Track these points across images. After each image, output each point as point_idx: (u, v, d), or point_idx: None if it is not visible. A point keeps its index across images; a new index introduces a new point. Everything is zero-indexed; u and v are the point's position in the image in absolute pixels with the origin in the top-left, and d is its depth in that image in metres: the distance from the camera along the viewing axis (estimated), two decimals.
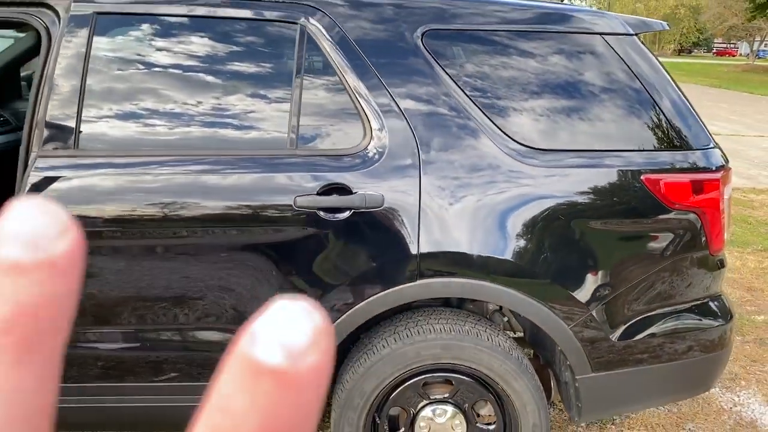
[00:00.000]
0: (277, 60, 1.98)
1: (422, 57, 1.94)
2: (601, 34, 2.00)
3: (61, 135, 1.88)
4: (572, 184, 1.92)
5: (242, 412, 0.18)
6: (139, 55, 1.93)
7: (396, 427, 2.09)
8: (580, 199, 1.93)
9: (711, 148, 2.03)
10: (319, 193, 1.87)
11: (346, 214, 1.88)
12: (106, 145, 1.89)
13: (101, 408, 1.97)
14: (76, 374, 1.93)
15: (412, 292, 1.93)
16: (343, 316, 1.92)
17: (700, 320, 2.09)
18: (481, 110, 1.92)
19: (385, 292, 1.92)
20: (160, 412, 2.01)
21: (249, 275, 1.89)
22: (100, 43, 1.91)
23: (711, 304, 2.11)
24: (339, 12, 1.94)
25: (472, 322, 2.06)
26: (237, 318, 1.92)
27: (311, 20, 1.93)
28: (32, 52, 3.36)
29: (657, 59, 2.03)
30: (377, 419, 2.06)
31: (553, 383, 2.29)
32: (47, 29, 1.95)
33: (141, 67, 1.93)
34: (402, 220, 1.89)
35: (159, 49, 1.93)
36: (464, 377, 2.04)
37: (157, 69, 1.93)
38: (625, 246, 1.98)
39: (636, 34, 2.05)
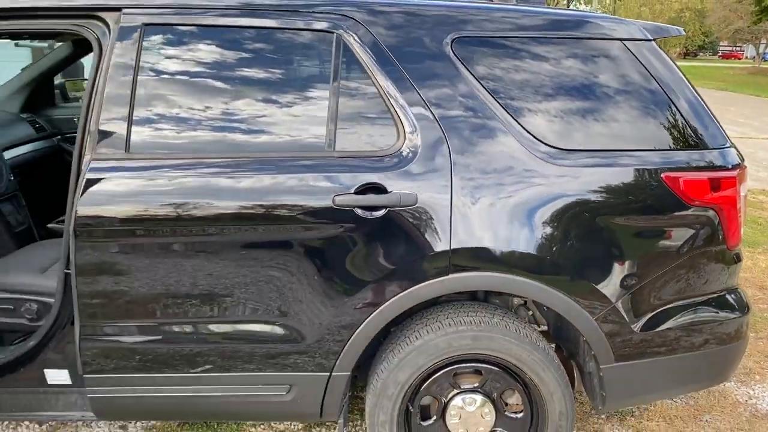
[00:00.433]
0: (315, 67, 2.09)
1: (451, 62, 2.05)
2: (621, 39, 2.11)
3: (113, 139, 1.99)
4: (596, 182, 2.02)
5: None
6: (185, 63, 2.05)
7: (427, 416, 2.19)
8: (604, 196, 2.02)
9: (727, 147, 2.12)
10: (356, 192, 1.98)
11: (382, 212, 1.98)
12: (155, 148, 2.00)
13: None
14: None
15: (444, 286, 2.03)
16: (378, 309, 2.03)
17: (718, 312, 2.18)
18: (508, 112, 2.03)
19: (419, 285, 2.02)
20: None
21: (290, 270, 2.00)
22: (149, 52, 2.03)
23: (728, 296, 2.21)
24: (372, 21, 2.05)
25: (500, 315, 2.16)
26: (281, 311, 2.02)
27: (347, 30, 2.04)
28: (66, 62, 3.50)
29: (674, 63, 2.13)
30: (410, 408, 2.15)
31: (576, 375, 2.38)
32: (98, 40, 2.07)
33: (187, 75, 2.05)
34: (434, 218, 1.99)
35: (204, 58, 2.05)
36: (493, 367, 2.13)
37: (201, 77, 2.05)
38: (646, 241, 2.07)
39: (654, 39, 2.15)
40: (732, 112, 15.82)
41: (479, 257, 2.01)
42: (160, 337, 2.06)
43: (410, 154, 2.01)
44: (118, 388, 2.10)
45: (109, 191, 1.97)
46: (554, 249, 2.01)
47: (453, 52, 2.06)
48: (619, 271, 2.05)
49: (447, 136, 2.02)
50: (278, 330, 2.06)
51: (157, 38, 2.04)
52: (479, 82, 2.05)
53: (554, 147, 2.02)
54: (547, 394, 2.12)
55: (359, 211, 1.98)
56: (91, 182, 1.97)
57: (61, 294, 2.12)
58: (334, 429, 2.65)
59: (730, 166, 2.10)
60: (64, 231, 2.07)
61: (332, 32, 2.04)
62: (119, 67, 2.01)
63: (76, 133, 3.49)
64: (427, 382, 2.14)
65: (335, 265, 2.01)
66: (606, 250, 2.04)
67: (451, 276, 2.01)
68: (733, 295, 2.22)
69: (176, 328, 2.06)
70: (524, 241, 2.00)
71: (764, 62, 46.04)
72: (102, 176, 1.97)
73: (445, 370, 2.13)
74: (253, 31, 2.06)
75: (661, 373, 2.17)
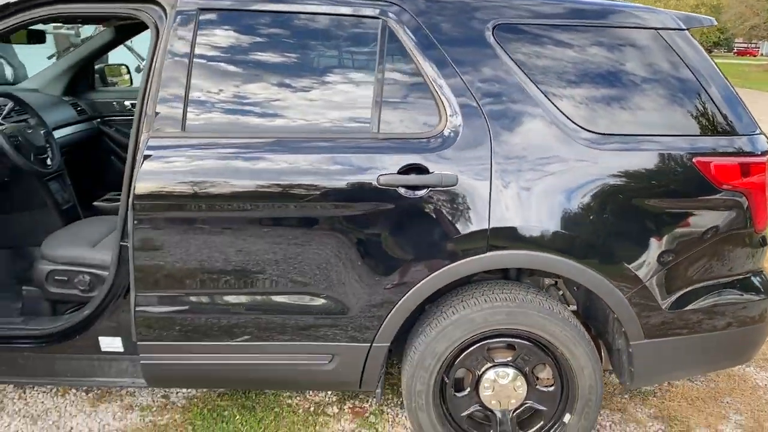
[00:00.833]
0: (361, 52, 2.18)
1: (493, 49, 2.13)
2: (656, 29, 2.18)
3: (169, 119, 2.10)
4: (630, 166, 2.10)
5: None
6: (238, 47, 2.15)
7: (461, 388, 2.29)
8: (637, 179, 2.11)
9: (757, 134, 2.20)
10: (399, 172, 2.07)
11: (424, 191, 2.08)
12: (210, 127, 2.11)
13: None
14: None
15: (482, 263, 2.12)
16: (418, 284, 2.12)
17: (743, 294, 2.26)
18: (546, 97, 2.11)
19: (457, 262, 2.11)
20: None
21: (337, 246, 2.10)
22: (203, 36, 2.13)
23: (754, 278, 2.29)
24: (417, 8, 2.14)
25: (533, 293, 2.25)
26: (327, 285, 2.12)
27: (392, 16, 2.14)
28: (106, 48, 3.61)
29: (704, 50, 2.20)
30: (445, 379, 2.25)
31: (603, 353, 2.47)
32: (155, 24, 2.17)
33: (239, 58, 2.15)
34: (474, 198, 2.08)
35: (256, 42, 2.15)
36: (526, 342, 2.23)
37: (253, 60, 2.15)
38: (677, 223, 2.15)
39: (687, 29, 2.23)
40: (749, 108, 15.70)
41: (517, 237, 2.10)
42: (212, 307, 2.17)
43: (452, 137, 2.10)
44: (170, 355, 2.21)
45: (165, 168, 2.07)
46: (588, 230, 2.10)
47: (494, 39, 2.14)
48: (650, 251, 2.13)
49: (488, 119, 2.10)
50: (324, 302, 2.16)
51: (212, 22, 2.14)
52: (519, 67, 2.13)
53: (592, 131, 2.11)
54: (578, 369, 2.21)
55: (402, 191, 2.07)
56: (148, 159, 2.07)
57: (116, 265, 2.23)
58: (367, 402, 2.76)
59: (759, 152, 2.17)
60: (120, 205, 2.18)
61: (379, 18, 2.13)
62: (176, 50, 2.11)
63: (115, 116, 3.64)
64: (462, 355, 2.24)
65: (379, 242, 2.11)
66: (638, 231, 2.13)
67: (489, 254, 2.11)
68: (758, 278, 2.30)
69: (227, 299, 2.17)
70: (561, 222, 2.09)
71: None
72: (159, 153, 2.08)
73: (480, 344, 2.23)
74: (303, 16, 2.16)
75: (688, 352, 2.26)
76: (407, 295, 2.14)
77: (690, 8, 43.74)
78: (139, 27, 3.37)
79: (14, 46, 7.63)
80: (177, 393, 2.79)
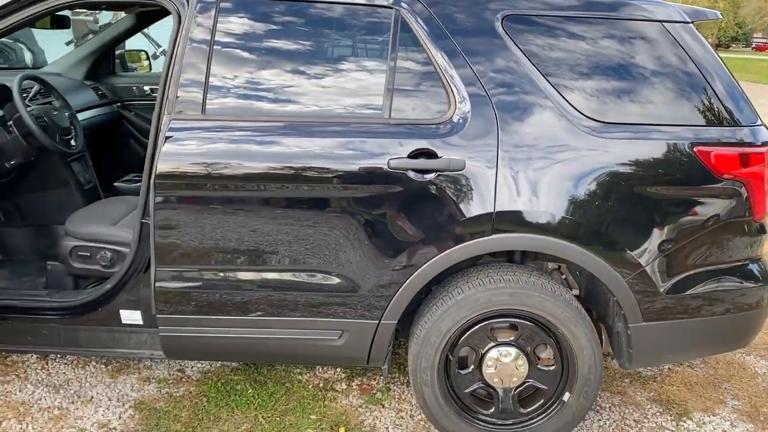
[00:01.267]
0: (375, 41, 2.27)
1: (502, 39, 2.21)
2: (661, 21, 2.25)
3: (190, 102, 2.19)
4: (632, 154, 2.17)
5: None
6: (256, 34, 2.24)
7: (465, 366, 2.38)
8: (638, 167, 2.18)
9: (758, 125, 2.26)
10: (409, 156, 2.16)
11: (432, 175, 2.16)
12: (229, 111, 2.20)
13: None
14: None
15: (486, 245, 2.21)
16: (426, 264, 2.21)
17: (742, 280, 2.33)
18: (552, 86, 2.19)
19: (464, 244, 2.20)
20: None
21: (347, 227, 2.19)
22: (224, 23, 2.22)
23: (752, 266, 2.35)
24: None
25: (536, 275, 2.34)
26: (338, 264, 2.22)
27: (405, 6, 2.21)
28: (127, 34, 3.72)
29: (708, 43, 2.27)
30: (450, 357, 2.35)
31: (604, 337, 2.54)
32: (178, 11, 2.26)
33: (258, 44, 2.24)
34: (480, 182, 2.17)
35: (273, 29, 2.24)
36: (528, 323, 2.31)
37: (271, 47, 2.24)
38: (676, 211, 2.22)
39: (692, 22, 2.29)
40: (765, 105, 15.60)
41: (520, 221, 2.18)
42: (227, 283, 2.27)
43: (460, 123, 2.18)
44: (187, 328, 2.32)
45: (186, 149, 2.17)
46: (589, 215, 2.18)
47: (504, 29, 2.22)
48: (649, 237, 2.21)
49: (495, 107, 2.18)
50: (334, 281, 2.26)
51: (231, 10, 2.23)
52: (527, 57, 2.20)
53: (595, 120, 2.18)
54: (578, 349, 2.29)
55: (411, 174, 2.16)
56: (169, 140, 2.17)
57: (137, 242, 2.34)
58: (374, 380, 2.86)
59: (759, 143, 2.24)
60: (142, 184, 2.28)
61: (392, 8, 2.22)
62: (196, 36, 2.21)
63: (134, 100, 3.75)
64: (467, 334, 2.32)
65: (388, 223, 2.20)
66: (638, 217, 2.20)
67: (494, 236, 2.19)
68: (756, 265, 2.37)
69: (242, 276, 2.27)
70: (564, 207, 2.17)
71: None
72: (180, 135, 2.18)
73: (484, 323, 2.31)
74: (319, 5, 2.24)
75: (685, 335, 2.33)
76: (414, 274, 2.23)
77: (708, 2, 43.27)
78: (158, 14, 3.48)
79: (34, 32, 7.77)
80: (192, 367, 2.91)
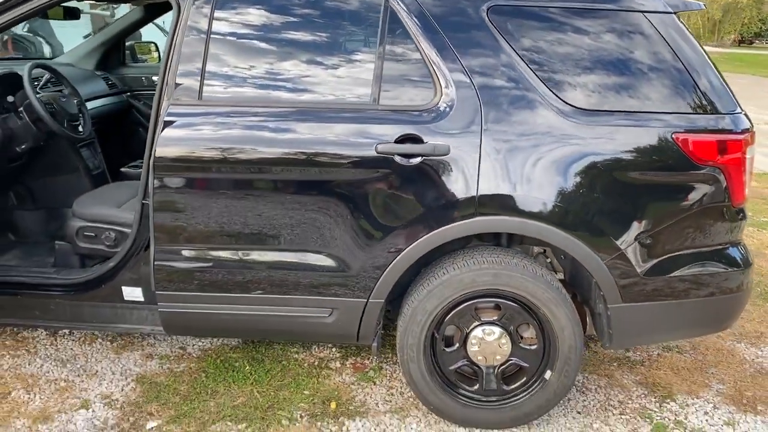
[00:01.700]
0: (365, 30, 2.36)
1: (487, 28, 2.29)
2: (643, 12, 2.31)
3: (188, 89, 2.31)
4: (610, 140, 2.24)
5: None
6: (251, 24, 2.35)
7: (451, 344, 2.47)
8: (619, 153, 2.25)
9: (737, 113, 2.32)
10: (396, 141, 2.25)
11: (418, 159, 2.26)
12: (224, 97, 2.31)
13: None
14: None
15: (469, 227, 2.29)
16: (411, 245, 2.31)
17: (720, 264, 2.39)
18: (534, 73, 2.26)
19: (447, 226, 2.29)
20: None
21: (336, 209, 2.29)
22: (220, 14, 2.33)
23: (730, 250, 2.41)
24: None
25: (519, 257, 2.42)
26: (327, 245, 2.32)
27: None
28: (136, 26, 3.84)
29: (689, 32, 2.33)
30: (436, 335, 2.44)
31: (588, 320, 2.62)
32: (177, 2, 2.37)
33: (252, 34, 2.35)
34: (464, 167, 2.26)
35: (267, 19, 2.34)
36: (511, 303, 2.39)
37: (265, 36, 2.35)
38: (654, 195, 2.29)
39: (675, 12, 2.35)
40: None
41: (503, 204, 2.27)
42: (222, 262, 2.38)
43: (446, 110, 2.27)
44: (185, 304, 2.44)
45: (183, 132, 2.28)
46: (569, 199, 2.25)
47: (488, 19, 2.30)
48: (628, 220, 2.28)
49: (479, 95, 2.27)
50: (325, 260, 2.36)
51: (228, 1, 2.34)
52: (511, 46, 2.28)
53: (576, 107, 2.26)
54: (559, 329, 2.37)
55: (398, 158, 2.25)
56: (168, 124, 2.29)
57: (138, 222, 2.46)
58: (368, 360, 2.96)
59: (738, 130, 2.29)
60: (143, 167, 2.40)
61: None
62: (194, 26, 2.32)
63: (143, 90, 3.88)
64: (452, 313, 2.41)
65: (375, 205, 2.30)
66: (617, 202, 2.28)
67: (476, 219, 2.28)
68: (735, 249, 2.42)
69: (237, 255, 2.38)
70: (545, 191, 2.25)
71: None
72: (177, 119, 2.29)
73: (468, 303, 2.40)
74: None
75: (664, 317, 2.40)
76: (400, 255, 2.32)
77: None
78: (166, 7, 3.60)
79: (53, 26, 7.97)
80: (193, 345, 3.03)
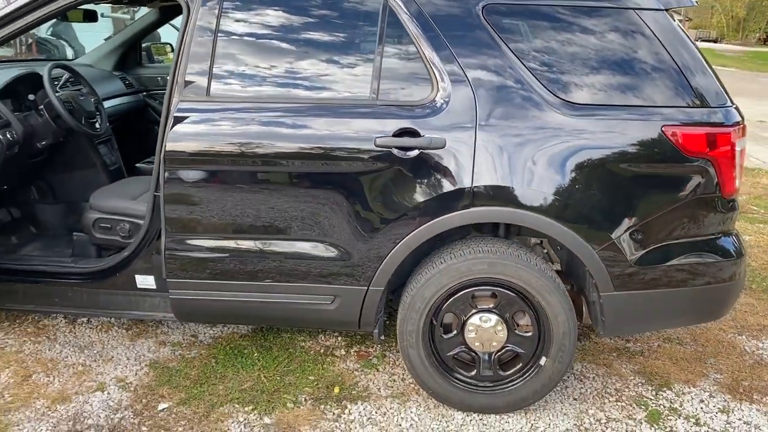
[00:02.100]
0: (364, 29, 2.46)
1: (483, 28, 2.38)
2: (635, 9, 2.38)
3: (196, 86, 2.43)
4: (602, 133, 2.32)
5: None
6: (255, 25, 2.46)
7: (449, 331, 2.56)
8: (610, 145, 2.32)
9: (727, 106, 2.38)
10: (394, 135, 2.35)
11: (415, 152, 2.35)
12: (231, 93, 2.43)
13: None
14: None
15: (464, 217, 2.38)
16: (409, 234, 2.40)
17: (711, 253, 2.45)
18: (528, 70, 2.35)
19: (444, 216, 2.38)
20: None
21: (336, 199, 2.40)
22: (226, 15, 2.45)
23: (724, 239, 2.47)
24: None
25: (515, 247, 2.50)
26: (330, 234, 2.43)
27: None
28: (151, 28, 3.99)
29: (681, 28, 2.39)
30: (434, 322, 2.53)
31: (585, 310, 2.69)
32: (187, 4, 2.49)
33: (256, 32, 2.46)
34: (460, 159, 2.34)
35: (270, 21, 2.46)
36: (507, 291, 2.48)
37: (269, 36, 2.46)
38: (644, 186, 2.36)
39: (666, 9, 2.42)
40: None
41: (497, 195, 2.35)
42: (230, 250, 2.50)
43: (442, 105, 2.36)
44: (194, 291, 2.56)
45: (192, 127, 2.41)
46: (560, 190, 2.33)
47: (484, 17, 2.39)
48: (619, 211, 2.35)
49: (474, 90, 2.35)
50: (327, 249, 2.46)
51: (234, 2, 2.45)
52: (505, 43, 2.37)
53: (567, 101, 2.33)
54: (553, 317, 2.45)
55: (396, 151, 2.35)
56: (178, 120, 2.41)
57: (150, 213, 2.58)
58: (372, 348, 3.06)
59: (729, 123, 2.36)
60: (154, 161, 2.52)
61: None
62: (202, 26, 2.44)
63: (159, 89, 4.02)
64: (449, 301, 2.50)
65: (374, 197, 2.40)
66: (607, 192, 2.35)
67: (472, 209, 2.37)
68: (727, 240, 2.48)
69: (244, 245, 2.50)
70: (538, 182, 2.33)
71: None
72: (187, 115, 2.41)
73: (465, 291, 2.48)
74: None
75: (656, 305, 2.47)
76: (399, 244, 2.42)
77: None
78: (179, 9, 3.73)
79: (75, 30, 8.18)
80: (204, 333, 3.15)
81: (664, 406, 2.70)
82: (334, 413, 2.59)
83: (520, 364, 2.55)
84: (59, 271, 2.74)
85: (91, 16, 3.57)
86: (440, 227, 2.40)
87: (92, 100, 3.26)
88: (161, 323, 3.21)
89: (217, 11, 2.44)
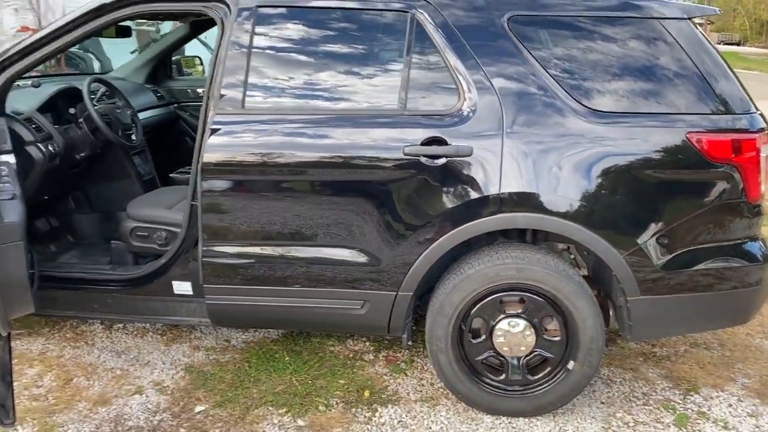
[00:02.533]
0: (392, 41, 2.54)
1: (508, 38, 2.44)
2: (659, 18, 2.43)
3: (232, 99, 2.51)
4: (629, 140, 2.36)
5: None
6: (288, 38, 2.55)
7: (478, 335, 2.61)
8: (636, 152, 2.36)
9: (752, 113, 2.42)
10: (422, 144, 2.41)
11: (443, 160, 2.41)
12: (265, 106, 2.52)
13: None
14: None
15: (492, 223, 2.44)
16: (437, 241, 2.46)
17: (737, 258, 2.48)
18: (553, 78, 2.40)
19: (472, 222, 2.43)
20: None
21: (366, 207, 2.47)
22: (260, 29, 2.54)
23: (747, 245, 2.49)
24: (441, 2, 2.47)
25: (542, 252, 2.55)
26: (360, 241, 2.50)
27: (419, 10, 2.47)
28: (182, 42, 4.11)
29: (702, 34, 2.43)
30: (463, 327, 2.58)
31: (612, 315, 2.72)
32: (222, 19, 2.59)
33: (290, 47, 2.55)
34: (487, 166, 2.40)
35: (303, 34, 2.54)
36: (535, 296, 2.52)
37: (301, 49, 2.54)
38: (671, 192, 2.40)
39: (690, 18, 2.46)
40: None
41: (523, 201, 2.40)
42: (265, 257, 2.58)
43: (469, 114, 2.42)
44: (230, 297, 2.64)
45: (227, 140, 2.49)
46: (587, 196, 2.37)
47: (509, 28, 2.45)
48: (645, 216, 2.39)
49: (501, 99, 2.41)
50: (357, 255, 2.53)
51: (267, 17, 2.54)
52: (531, 54, 2.42)
53: (592, 109, 2.38)
54: (581, 321, 2.49)
55: (424, 160, 2.41)
56: (214, 132, 2.50)
57: (187, 221, 2.67)
58: (400, 353, 3.12)
59: (753, 130, 2.39)
60: (191, 171, 2.61)
61: (407, 12, 2.48)
62: (237, 41, 2.53)
63: (190, 102, 4.14)
64: (477, 306, 2.55)
65: (403, 204, 2.46)
66: (634, 198, 2.39)
67: (499, 215, 2.42)
68: (752, 244, 2.50)
69: (277, 251, 2.57)
70: (564, 189, 2.38)
71: None
72: (223, 128, 2.50)
73: (493, 296, 2.53)
74: (341, 11, 2.53)
75: (682, 309, 2.50)
76: (428, 250, 2.48)
77: None
78: (209, 23, 3.85)
79: (102, 43, 8.39)
80: (237, 338, 3.24)
81: (692, 410, 2.72)
82: (365, 416, 2.65)
83: (549, 369, 2.59)
84: (98, 278, 2.83)
85: (124, 32, 3.68)
86: (468, 233, 2.45)
87: (128, 112, 3.38)
88: (194, 329, 3.30)
89: (250, 27, 2.53)
